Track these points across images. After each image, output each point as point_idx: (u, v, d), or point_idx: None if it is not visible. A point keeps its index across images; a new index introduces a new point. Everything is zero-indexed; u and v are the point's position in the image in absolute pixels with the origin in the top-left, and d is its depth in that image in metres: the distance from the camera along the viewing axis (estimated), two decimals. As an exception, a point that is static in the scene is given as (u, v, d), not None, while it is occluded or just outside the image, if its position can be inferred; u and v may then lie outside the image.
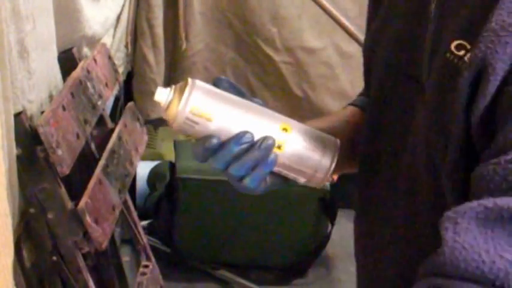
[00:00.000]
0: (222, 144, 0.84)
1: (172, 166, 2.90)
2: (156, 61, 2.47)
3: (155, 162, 3.11)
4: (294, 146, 0.87)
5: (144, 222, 2.81)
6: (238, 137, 0.84)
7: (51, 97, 1.58)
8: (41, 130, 1.36)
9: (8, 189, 1.25)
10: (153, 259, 2.01)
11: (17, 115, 1.36)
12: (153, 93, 0.86)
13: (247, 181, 0.85)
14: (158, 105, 0.86)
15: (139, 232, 1.98)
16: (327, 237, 2.70)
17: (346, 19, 2.50)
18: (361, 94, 1.10)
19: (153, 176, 3.03)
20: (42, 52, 1.52)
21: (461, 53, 0.76)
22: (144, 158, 2.42)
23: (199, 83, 0.86)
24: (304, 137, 0.88)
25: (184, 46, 2.47)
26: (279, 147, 0.86)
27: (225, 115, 0.85)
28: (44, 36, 1.53)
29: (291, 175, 0.89)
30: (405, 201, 0.89)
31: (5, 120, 1.25)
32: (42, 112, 1.47)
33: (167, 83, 2.53)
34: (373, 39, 0.96)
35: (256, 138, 0.84)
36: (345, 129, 0.97)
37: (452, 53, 0.77)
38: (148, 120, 2.51)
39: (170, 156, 3.13)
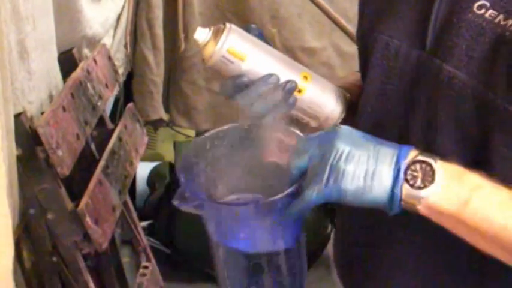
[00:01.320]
0: (251, 83, 0.94)
1: (172, 167, 2.90)
2: (156, 62, 2.47)
3: (155, 163, 3.11)
4: (312, 93, 0.98)
5: (144, 223, 2.81)
6: (266, 77, 0.94)
7: (51, 98, 1.58)
8: (41, 131, 1.36)
9: (8, 190, 1.25)
10: (153, 260, 2.01)
11: (17, 116, 1.36)
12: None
13: (267, 120, 0.95)
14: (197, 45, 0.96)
15: (139, 233, 1.98)
16: (328, 237, 2.70)
17: (345, 20, 2.50)
18: None
19: (153, 177, 3.03)
20: (42, 53, 1.52)
21: (482, 11, 0.87)
22: (144, 159, 2.42)
23: (235, 27, 0.96)
24: (321, 87, 1.00)
25: (183, 47, 2.47)
26: (299, 91, 0.97)
27: (256, 58, 0.95)
28: (44, 37, 1.53)
29: (305, 119, 1.00)
30: None
31: (5, 121, 1.25)
32: (42, 113, 1.47)
33: (167, 84, 2.53)
34: (374, 21, 1.00)
35: (281, 81, 0.95)
36: (350, 91, 1.06)
37: (474, 13, 0.87)
38: (148, 121, 2.51)
39: (170, 157, 3.13)
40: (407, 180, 0.82)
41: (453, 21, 0.89)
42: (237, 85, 0.95)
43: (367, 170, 0.82)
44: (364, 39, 1.03)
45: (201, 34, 0.95)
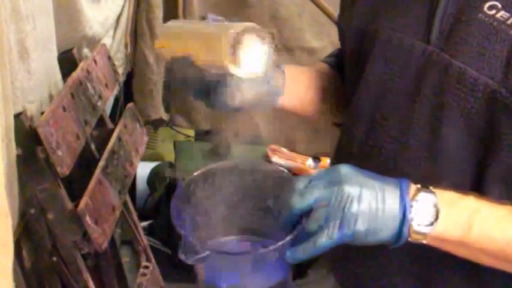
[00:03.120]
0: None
1: (172, 167, 2.89)
2: (156, 62, 2.47)
3: (155, 163, 3.10)
4: None
5: (144, 223, 2.81)
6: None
7: (51, 97, 1.58)
8: (41, 130, 1.36)
9: (8, 190, 1.25)
10: (153, 260, 2.01)
11: (17, 115, 1.36)
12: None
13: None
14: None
15: (139, 233, 1.98)
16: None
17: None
18: (328, 56, 1.26)
19: (153, 177, 3.03)
20: (42, 52, 1.52)
21: (493, 12, 0.88)
22: (144, 159, 2.42)
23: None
24: None
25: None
26: None
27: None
28: (44, 37, 1.53)
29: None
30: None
31: (5, 121, 1.25)
32: (42, 112, 1.47)
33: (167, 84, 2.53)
34: (373, 15, 1.01)
35: None
36: (319, 78, 1.15)
37: (485, 13, 0.88)
38: (148, 120, 2.51)
39: (170, 156, 3.13)
40: (412, 219, 0.85)
41: (461, 19, 0.90)
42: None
43: (376, 211, 0.84)
44: (361, 32, 1.04)
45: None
